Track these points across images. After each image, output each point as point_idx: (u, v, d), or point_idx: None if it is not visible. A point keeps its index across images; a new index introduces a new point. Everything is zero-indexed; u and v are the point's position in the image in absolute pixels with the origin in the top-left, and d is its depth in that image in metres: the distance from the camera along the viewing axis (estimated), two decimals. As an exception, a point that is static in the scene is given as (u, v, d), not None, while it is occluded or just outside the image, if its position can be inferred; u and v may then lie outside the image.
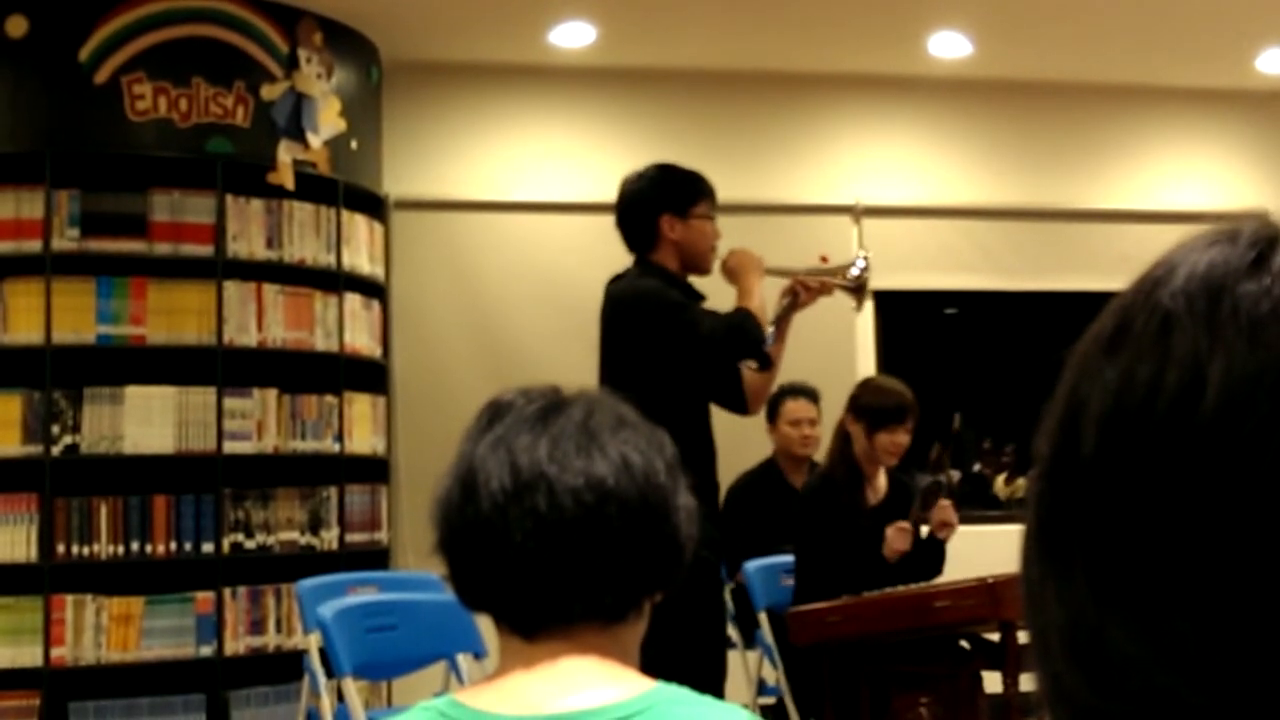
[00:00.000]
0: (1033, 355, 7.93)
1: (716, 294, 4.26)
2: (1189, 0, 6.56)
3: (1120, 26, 6.86)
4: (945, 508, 4.99)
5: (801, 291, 4.25)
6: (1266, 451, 0.52)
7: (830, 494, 4.99)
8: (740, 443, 6.22)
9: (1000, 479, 8.93)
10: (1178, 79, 7.69)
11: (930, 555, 5.03)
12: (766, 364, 4.14)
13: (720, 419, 4.35)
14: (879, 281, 7.54)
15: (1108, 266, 7.50)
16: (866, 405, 5.00)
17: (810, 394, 6.03)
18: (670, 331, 4.05)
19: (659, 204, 4.22)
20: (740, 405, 4.31)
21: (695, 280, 4.29)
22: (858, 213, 7.56)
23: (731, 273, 4.23)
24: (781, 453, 6.04)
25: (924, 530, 5.01)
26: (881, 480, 5.10)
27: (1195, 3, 6.61)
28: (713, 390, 4.26)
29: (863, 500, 5.02)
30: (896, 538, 4.88)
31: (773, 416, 6.06)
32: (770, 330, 4.17)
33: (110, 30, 5.95)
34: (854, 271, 4.35)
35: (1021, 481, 8.27)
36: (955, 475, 9.40)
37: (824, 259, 4.47)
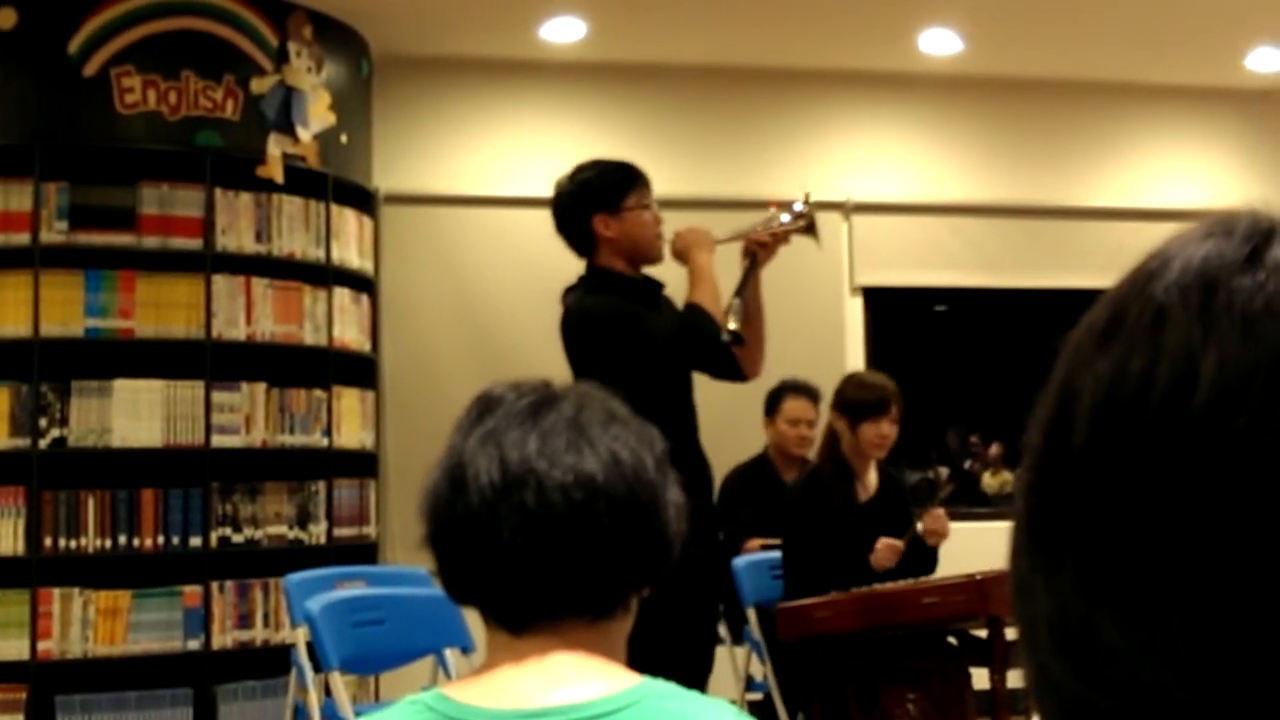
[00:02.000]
0: (1022, 352, 7.95)
1: (676, 279, 4.21)
2: (1179, -2, 6.57)
3: (1110, 24, 6.87)
4: (938, 517, 5.00)
5: (758, 250, 4.20)
6: (1257, 445, 0.52)
7: (818, 491, 4.99)
8: (735, 435, 6.24)
9: (988, 474, 8.95)
10: (1168, 77, 7.70)
11: (921, 558, 5.04)
12: (739, 340, 4.08)
13: (717, 411, 4.33)
14: (868, 278, 7.64)
15: (1098, 264, 7.51)
16: (849, 399, 5.01)
17: (811, 394, 6.03)
18: (627, 347, 4.00)
19: (588, 205, 4.13)
20: (737, 374, 4.26)
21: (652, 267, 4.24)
22: (848, 209, 7.56)
23: (680, 254, 4.14)
24: (776, 449, 6.04)
25: (918, 526, 5.01)
26: (872, 476, 5.10)
27: (1186, 1, 6.61)
28: (706, 370, 4.22)
29: (854, 497, 5.02)
30: (886, 554, 4.88)
31: (771, 411, 6.06)
32: (736, 301, 4.11)
33: (99, 23, 5.93)
34: (798, 208, 4.28)
35: (1009, 478, 8.29)
36: (945, 473, 9.42)
37: (772, 204, 4.39)
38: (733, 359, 4.16)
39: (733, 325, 4.05)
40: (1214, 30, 7.05)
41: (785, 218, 4.22)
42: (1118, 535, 0.55)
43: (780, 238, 4.23)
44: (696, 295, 4.04)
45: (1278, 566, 0.52)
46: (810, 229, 4.29)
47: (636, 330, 4.00)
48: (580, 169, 4.24)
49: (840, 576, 4.79)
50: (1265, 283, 0.55)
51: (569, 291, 4.20)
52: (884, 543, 4.90)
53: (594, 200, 4.14)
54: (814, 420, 5.98)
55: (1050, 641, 0.58)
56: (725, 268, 4.16)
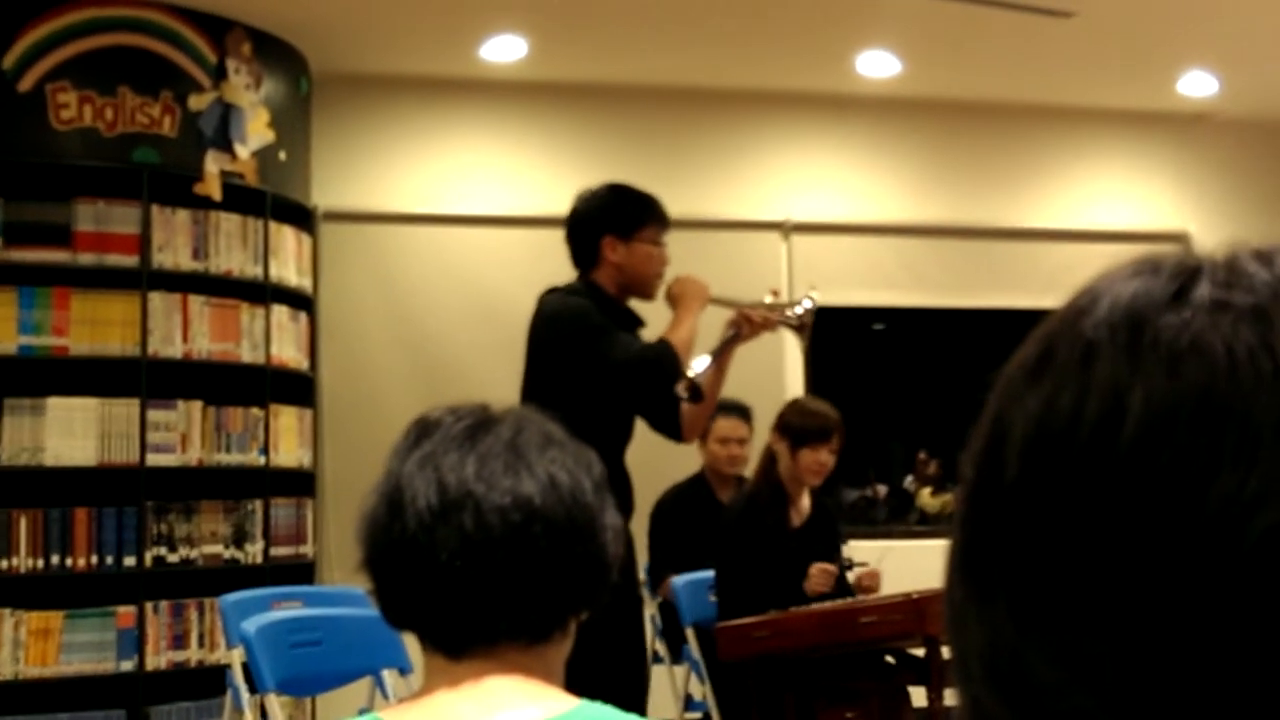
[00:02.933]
0: (960, 371, 8.00)
1: (661, 320, 4.21)
2: (1113, 24, 6.64)
3: (1046, 49, 6.94)
4: (873, 575, 5.08)
5: (744, 325, 4.20)
6: (1182, 482, 0.53)
7: (753, 514, 5.00)
8: (669, 456, 6.24)
9: (926, 492, 8.99)
10: (1102, 100, 7.79)
11: (847, 585, 5.11)
12: (696, 396, 4.08)
13: (651, 433, 4.33)
14: (807, 298, 7.65)
15: (1033, 284, 7.58)
16: (791, 424, 5.02)
17: (742, 411, 6.01)
18: (584, 355, 4.00)
19: (603, 224, 4.15)
20: (675, 432, 4.27)
21: (641, 305, 4.24)
22: (787, 229, 7.59)
23: (673, 300, 4.15)
24: (710, 469, 6.04)
25: (849, 576, 5.11)
26: (805, 502, 5.12)
27: (1119, 26, 6.69)
28: (647, 414, 4.22)
29: (787, 521, 5.03)
30: (820, 579, 4.90)
31: (703, 433, 6.06)
32: (707, 360, 4.11)
33: (35, 38, 5.88)
34: (799, 310, 4.30)
35: (948, 497, 8.33)
36: (882, 490, 9.47)
37: (774, 293, 4.43)
38: (676, 411, 4.17)
39: (690, 381, 4.03)
40: (1147, 55, 7.14)
41: (789, 312, 4.29)
42: (1048, 568, 0.55)
43: (770, 324, 4.23)
44: (671, 336, 4.04)
45: (1203, 599, 0.52)
46: (802, 329, 4.32)
47: (600, 340, 4.00)
48: (606, 187, 4.25)
49: (772, 600, 4.80)
50: (1191, 320, 0.56)
51: (550, 292, 4.19)
52: (818, 567, 4.92)
53: (610, 221, 4.15)
54: (745, 438, 5.98)
55: (982, 672, 0.58)
56: (705, 329, 4.17)
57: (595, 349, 3.99)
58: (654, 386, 4.01)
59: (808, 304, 4.29)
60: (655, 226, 4.18)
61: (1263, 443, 0.53)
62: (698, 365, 4.06)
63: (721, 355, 4.17)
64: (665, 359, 3.98)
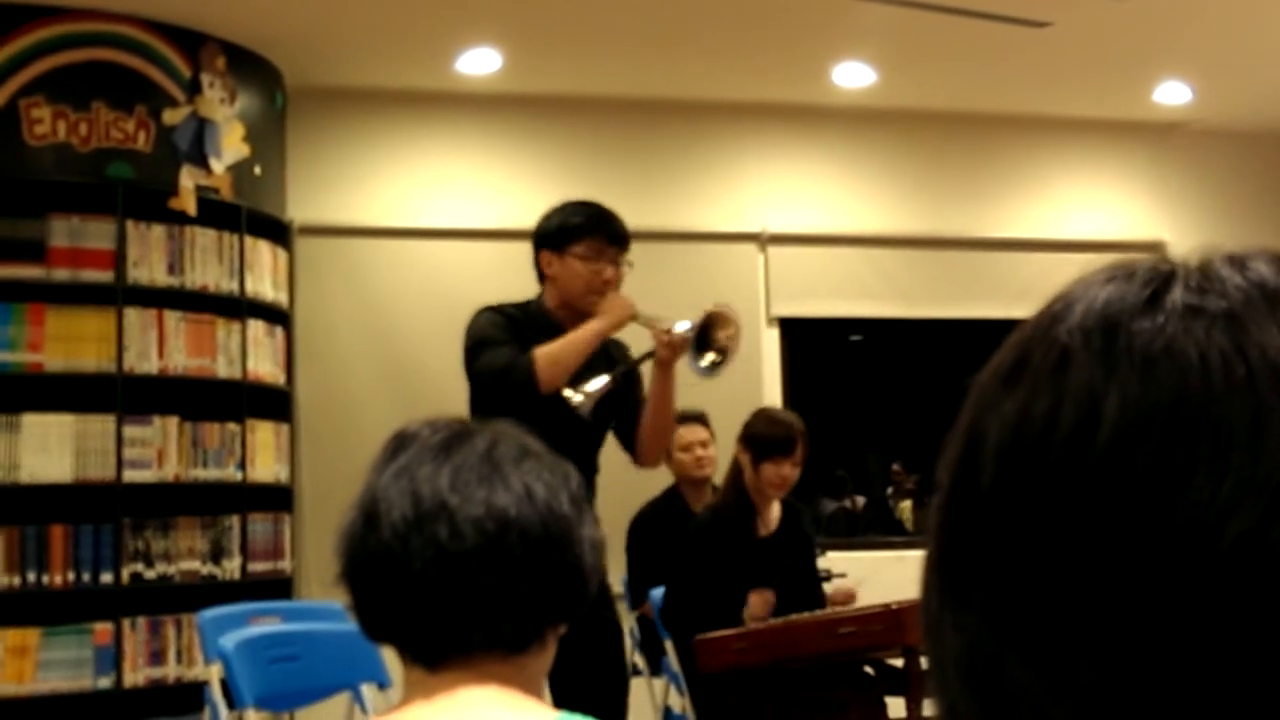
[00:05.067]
0: (937, 382, 8.02)
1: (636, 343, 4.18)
2: (1088, 34, 6.67)
3: (1021, 58, 6.97)
4: (849, 594, 5.09)
5: (660, 346, 4.06)
6: (1157, 487, 0.53)
7: (719, 527, 4.99)
8: (643, 475, 6.23)
9: (905, 505, 9.01)
10: (1077, 110, 7.82)
11: (817, 594, 5.10)
12: (578, 408, 3.96)
13: (619, 453, 4.31)
14: (784, 309, 7.67)
15: (1009, 294, 7.60)
16: (753, 435, 4.99)
17: (698, 418, 6.00)
18: (467, 364, 4.07)
19: (539, 239, 4.18)
20: (632, 452, 4.25)
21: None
22: (764, 240, 7.60)
23: (598, 315, 4.10)
24: (681, 479, 6.03)
25: (826, 588, 5.13)
26: (774, 512, 5.10)
27: (1096, 36, 6.72)
28: (615, 432, 4.21)
29: (753, 532, 5.02)
30: (758, 606, 4.87)
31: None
32: (603, 380, 3.97)
33: (9, 53, 5.86)
34: (678, 328, 4.02)
35: (908, 505, 8.36)
36: (860, 501, 9.48)
37: (714, 311, 4.13)
38: (628, 434, 4.13)
39: (575, 397, 3.93)
40: (1123, 65, 7.17)
41: (678, 326, 4.04)
42: (1024, 574, 0.55)
43: (676, 346, 4.03)
44: (543, 347, 3.97)
45: (1179, 604, 0.52)
46: (701, 349, 4.05)
47: (473, 351, 4.05)
48: (562, 202, 4.25)
49: (736, 613, 4.80)
50: (1165, 325, 0.56)
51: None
52: (755, 595, 4.88)
53: (544, 236, 4.18)
54: (707, 441, 5.97)
55: (959, 680, 0.58)
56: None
57: (468, 361, 4.05)
58: (504, 397, 3.89)
59: (684, 325, 4.02)
60: (589, 241, 4.12)
61: (1236, 447, 0.53)
62: (593, 384, 3.98)
63: (621, 374, 4.08)
64: (514, 370, 3.92)
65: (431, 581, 1.51)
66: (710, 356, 4.08)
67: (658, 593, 5.54)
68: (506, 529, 1.52)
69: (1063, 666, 0.54)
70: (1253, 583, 0.52)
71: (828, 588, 5.24)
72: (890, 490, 9.62)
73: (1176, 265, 0.59)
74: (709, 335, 4.07)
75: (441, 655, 1.54)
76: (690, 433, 5.98)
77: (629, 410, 4.17)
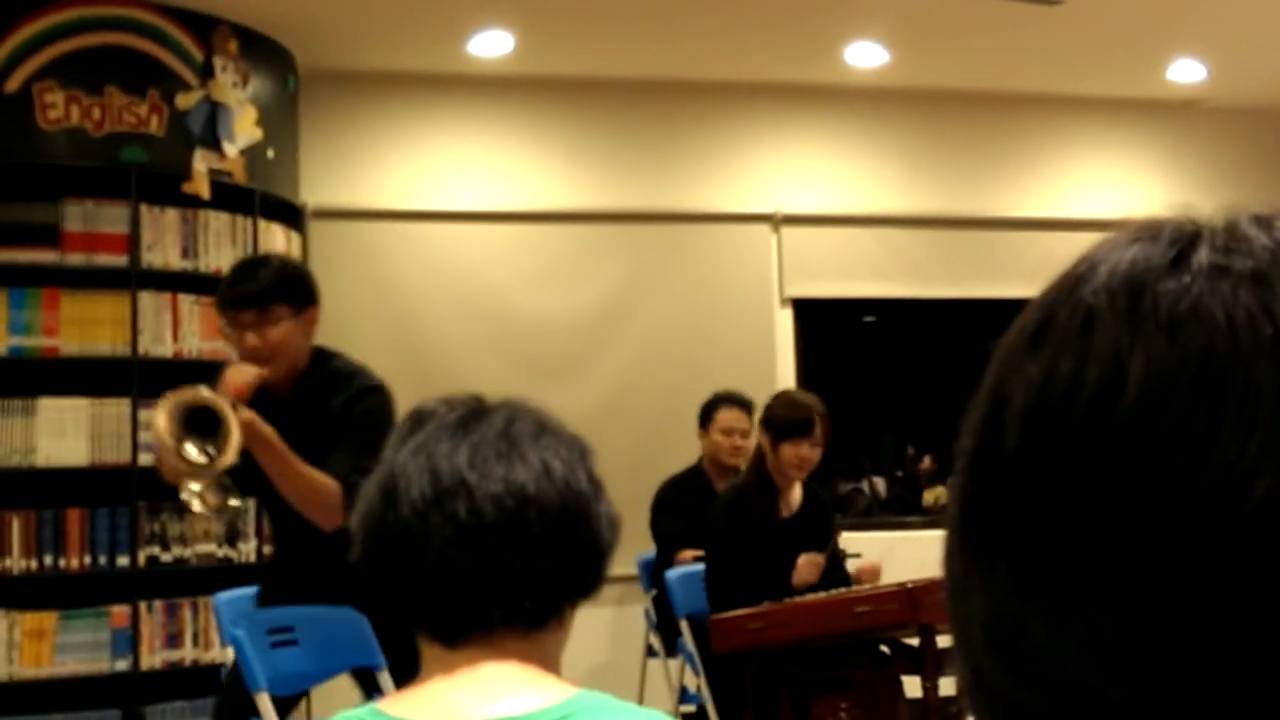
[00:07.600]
0: (951, 362, 8.01)
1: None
2: (1101, 12, 6.64)
3: (1034, 36, 6.94)
4: (874, 571, 5.09)
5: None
6: (1183, 447, 0.53)
7: (742, 507, 5.00)
8: (667, 447, 6.25)
9: (936, 492, 8.99)
10: (1092, 89, 7.79)
11: (841, 574, 5.11)
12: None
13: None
14: (797, 289, 7.67)
15: (1024, 273, 7.58)
16: (773, 417, 5.02)
17: (745, 405, 6.04)
18: None
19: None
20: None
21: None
22: (777, 221, 7.59)
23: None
24: (710, 460, 6.04)
25: (839, 543, 5.12)
26: (796, 493, 5.11)
27: (1109, 14, 6.69)
28: None
29: (776, 513, 5.03)
30: (807, 570, 4.90)
31: (706, 422, 6.06)
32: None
33: (21, 38, 5.87)
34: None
35: (941, 489, 8.35)
36: (880, 482, 9.48)
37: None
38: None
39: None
40: (1136, 43, 7.14)
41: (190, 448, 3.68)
42: (1049, 535, 0.55)
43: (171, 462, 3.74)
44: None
45: (1205, 564, 0.52)
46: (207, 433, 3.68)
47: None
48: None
49: (763, 591, 4.81)
50: (1190, 286, 0.56)
51: None
52: (805, 559, 4.91)
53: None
54: (747, 430, 5.99)
55: (983, 642, 0.58)
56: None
57: None
58: None
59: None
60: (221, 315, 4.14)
61: (1262, 407, 0.53)
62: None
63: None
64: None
65: (451, 559, 1.51)
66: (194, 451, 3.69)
67: (673, 574, 5.56)
68: (525, 505, 1.52)
69: (1088, 627, 0.54)
70: (1279, 542, 0.52)
71: (851, 566, 5.24)
72: (902, 471, 9.61)
73: (1202, 225, 0.59)
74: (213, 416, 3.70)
75: (461, 632, 1.54)
76: (735, 418, 6.01)
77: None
